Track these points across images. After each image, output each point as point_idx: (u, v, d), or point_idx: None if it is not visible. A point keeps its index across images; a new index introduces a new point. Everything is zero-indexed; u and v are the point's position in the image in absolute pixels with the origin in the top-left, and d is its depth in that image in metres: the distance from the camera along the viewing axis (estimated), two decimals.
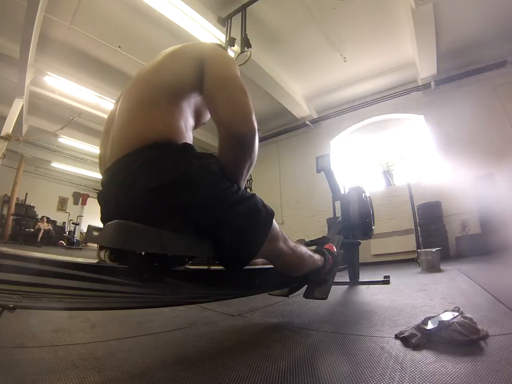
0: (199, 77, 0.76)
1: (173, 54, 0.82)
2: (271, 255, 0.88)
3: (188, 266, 0.83)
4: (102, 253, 0.64)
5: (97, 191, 0.82)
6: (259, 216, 0.77)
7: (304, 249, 1.05)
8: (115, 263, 0.64)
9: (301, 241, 1.78)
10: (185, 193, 0.67)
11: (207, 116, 0.90)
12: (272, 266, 0.98)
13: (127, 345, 1.00)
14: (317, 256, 1.17)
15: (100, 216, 0.79)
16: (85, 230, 10.89)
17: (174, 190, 0.66)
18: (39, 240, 7.44)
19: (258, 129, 0.75)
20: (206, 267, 0.90)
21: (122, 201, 0.69)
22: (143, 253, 0.68)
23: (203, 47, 0.83)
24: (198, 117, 0.86)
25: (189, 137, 0.76)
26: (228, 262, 0.76)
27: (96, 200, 0.82)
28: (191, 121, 0.81)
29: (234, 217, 0.71)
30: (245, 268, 0.79)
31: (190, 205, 0.68)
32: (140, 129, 0.71)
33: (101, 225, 0.71)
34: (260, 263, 1.15)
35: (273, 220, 0.83)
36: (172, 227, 0.66)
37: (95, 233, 0.67)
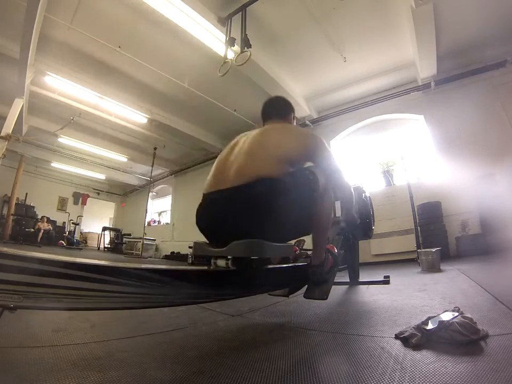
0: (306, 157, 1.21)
1: (293, 133, 1.25)
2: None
3: (187, 267, 0.84)
4: (222, 261, 0.96)
5: (204, 203, 1.13)
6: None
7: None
8: (233, 268, 0.95)
9: (301, 242, 1.79)
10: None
11: None
12: (273, 266, 1.00)
13: (127, 345, 1.00)
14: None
15: (203, 226, 1.12)
16: (85, 230, 10.93)
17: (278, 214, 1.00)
18: (39, 240, 7.44)
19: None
20: (205, 267, 0.90)
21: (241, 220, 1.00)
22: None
23: (316, 140, 1.24)
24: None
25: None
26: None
27: (197, 213, 1.13)
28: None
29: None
30: (244, 268, 0.88)
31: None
32: (256, 169, 1.03)
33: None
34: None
35: (318, 181, 1.15)
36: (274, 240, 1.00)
37: (214, 248, 1.01)
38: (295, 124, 1.47)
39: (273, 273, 1.17)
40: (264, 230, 0.98)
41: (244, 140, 1.19)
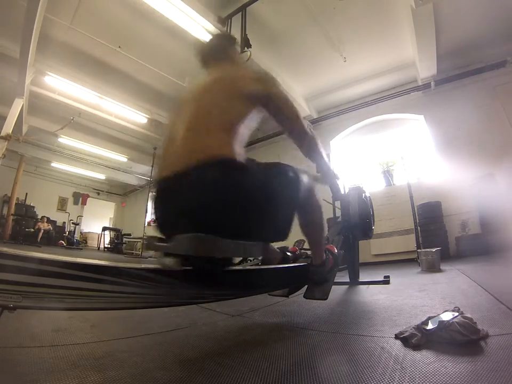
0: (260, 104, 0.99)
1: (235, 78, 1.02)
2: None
3: (188, 267, 0.84)
4: (169, 260, 0.78)
5: (155, 192, 0.94)
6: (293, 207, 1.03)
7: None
8: (181, 268, 0.77)
9: (301, 242, 1.79)
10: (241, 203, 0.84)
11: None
12: (273, 266, 0.99)
13: (127, 345, 1.00)
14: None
15: (156, 216, 0.93)
16: (85, 230, 10.91)
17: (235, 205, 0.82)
18: (39, 240, 7.44)
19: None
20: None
21: (190, 211, 0.82)
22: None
23: (267, 80, 1.05)
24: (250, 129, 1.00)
25: (243, 151, 0.92)
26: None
27: (153, 199, 0.94)
28: (246, 138, 0.96)
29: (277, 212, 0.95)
30: (245, 268, 0.83)
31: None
32: (204, 146, 0.84)
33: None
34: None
35: (300, 181, 1.05)
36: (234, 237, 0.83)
37: (161, 243, 0.84)
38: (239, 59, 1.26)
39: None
40: (221, 223, 0.81)
41: (188, 101, 1.00)
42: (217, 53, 1.19)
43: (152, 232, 0.98)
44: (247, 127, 0.95)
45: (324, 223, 1.22)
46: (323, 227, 1.21)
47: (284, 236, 1.00)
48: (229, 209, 0.81)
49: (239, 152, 0.87)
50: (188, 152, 0.85)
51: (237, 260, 1.12)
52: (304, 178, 1.06)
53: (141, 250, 7.32)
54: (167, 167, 0.88)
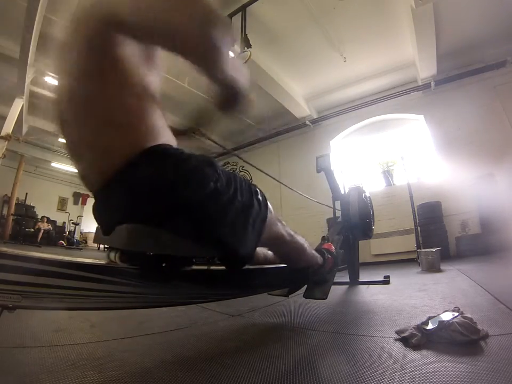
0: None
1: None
2: (271, 242, 0.89)
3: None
4: (112, 254, 0.66)
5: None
6: (252, 211, 0.74)
7: (302, 239, 1.04)
8: (124, 264, 0.65)
9: None
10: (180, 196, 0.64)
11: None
12: (273, 265, 0.98)
13: (127, 345, 1.00)
14: (316, 253, 1.19)
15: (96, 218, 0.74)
16: (85, 230, 10.90)
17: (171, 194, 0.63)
18: (39, 240, 7.44)
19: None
20: (206, 267, 0.90)
21: (123, 206, 0.65)
22: (151, 254, 0.69)
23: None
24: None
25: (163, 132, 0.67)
26: (228, 262, 0.78)
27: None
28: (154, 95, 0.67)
29: (227, 217, 0.69)
30: (245, 267, 0.80)
31: (185, 207, 0.65)
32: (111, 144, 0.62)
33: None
34: (261, 257, 1.13)
35: (268, 206, 0.82)
36: (175, 229, 0.65)
37: (104, 236, 0.69)
38: None
39: (273, 273, 1.11)
40: (163, 213, 0.63)
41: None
42: None
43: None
44: (142, 78, 0.65)
45: (296, 237, 0.99)
46: (296, 243, 0.99)
47: (239, 244, 0.71)
48: (171, 200, 0.63)
49: (154, 133, 0.64)
50: (101, 157, 0.64)
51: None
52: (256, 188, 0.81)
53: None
54: (88, 177, 0.70)
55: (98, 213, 0.73)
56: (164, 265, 0.71)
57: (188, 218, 0.66)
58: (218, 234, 0.69)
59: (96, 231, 0.76)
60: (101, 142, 0.62)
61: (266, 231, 0.79)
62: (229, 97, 0.70)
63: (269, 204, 0.83)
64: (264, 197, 0.81)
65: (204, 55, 0.58)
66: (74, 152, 0.69)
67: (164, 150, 0.66)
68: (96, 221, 0.74)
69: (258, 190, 0.80)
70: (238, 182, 0.74)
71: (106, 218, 0.71)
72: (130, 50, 0.62)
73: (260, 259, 1.12)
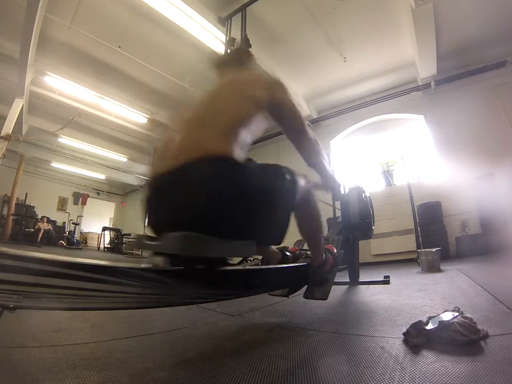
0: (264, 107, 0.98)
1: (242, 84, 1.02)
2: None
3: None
4: (160, 259, 0.78)
5: (147, 190, 0.90)
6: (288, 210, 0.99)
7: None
8: (172, 267, 0.77)
9: (301, 242, 1.79)
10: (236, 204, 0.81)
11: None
12: (273, 266, 0.99)
13: (127, 345, 1.00)
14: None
15: (148, 214, 0.90)
16: (85, 230, 10.91)
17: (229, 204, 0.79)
18: (39, 240, 7.44)
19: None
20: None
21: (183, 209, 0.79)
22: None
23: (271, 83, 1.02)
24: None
25: (243, 154, 0.90)
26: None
27: (144, 199, 0.90)
28: (247, 142, 0.95)
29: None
30: (245, 268, 0.83)
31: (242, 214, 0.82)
32: (199, 144, 0.83)
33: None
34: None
35: (297, 184, 1.01)
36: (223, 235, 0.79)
37: (151, 242, 0.82)
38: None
39: (273, 273, 1.15)
40: (212, 222, 0.77)
41: (195, 103, 1.03)
42: (234, 64, 1.21)
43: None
44: (250, 130, 0.93)
45: (322, 226, 1.21)
46: (321, 230, 1.21)
47: (278, 239, 0.97)
48: (222, 208, 0.78)
49: (237, 152, 0.85)
50: (183, 149, 0.83)
51: (236, 260, 1.10)
52: (302, 182, 1.04)
53: (141, 250, 7.32)
54: (162, 165, 0.86)
55: (152, 205, 0.89)
56: (201, 266, 0.81)
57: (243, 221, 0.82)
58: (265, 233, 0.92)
59: (137, 238, 0.92)
60: (195, 141, 0.84)
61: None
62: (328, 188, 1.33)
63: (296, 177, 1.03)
64: (292, 173, 1.01)
65: (314, 167, 1.20)
66: (168, 148, 0.91)
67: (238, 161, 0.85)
68: (147, 215, 0.90)
69: (285, 171, 1.00)
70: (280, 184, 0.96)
71: (161, 214, 0.86)
72: (263, 116, 0.98)
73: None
